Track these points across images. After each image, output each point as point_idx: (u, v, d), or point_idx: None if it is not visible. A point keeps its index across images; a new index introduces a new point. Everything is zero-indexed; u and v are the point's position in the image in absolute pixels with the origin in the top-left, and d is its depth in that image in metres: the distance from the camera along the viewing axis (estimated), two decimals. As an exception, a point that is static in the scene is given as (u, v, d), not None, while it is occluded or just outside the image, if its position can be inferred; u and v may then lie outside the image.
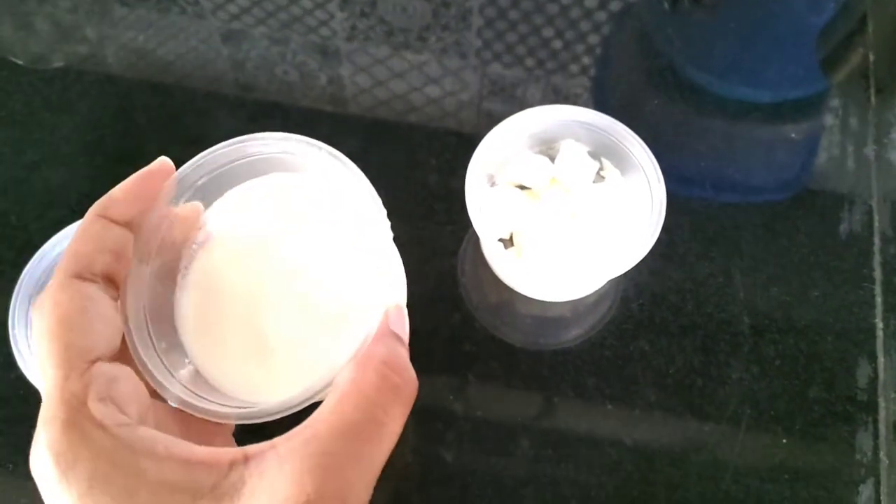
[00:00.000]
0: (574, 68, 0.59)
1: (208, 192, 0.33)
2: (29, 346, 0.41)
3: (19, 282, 0.43)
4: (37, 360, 0.25)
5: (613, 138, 0.48)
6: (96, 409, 0.24)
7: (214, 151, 0.31)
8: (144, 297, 0.29)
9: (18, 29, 0.58)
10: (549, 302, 0.50)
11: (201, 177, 0.32)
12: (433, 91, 0.57)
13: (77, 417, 0.24)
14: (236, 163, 0.32)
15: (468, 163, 0.46)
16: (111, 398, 0.25)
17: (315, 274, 0.32)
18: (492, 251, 0.48)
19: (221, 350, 0.31)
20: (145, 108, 0.55)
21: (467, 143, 0.47)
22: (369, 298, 0.31)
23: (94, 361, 0.25)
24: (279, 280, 0.32)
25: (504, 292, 0.51)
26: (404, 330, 0.31)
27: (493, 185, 0.50)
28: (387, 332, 0.29)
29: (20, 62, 0.57)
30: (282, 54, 0.58)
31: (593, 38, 0.60)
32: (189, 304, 0.32)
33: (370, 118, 0.56)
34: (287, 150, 0.31)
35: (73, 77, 0.56)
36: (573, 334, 0.50)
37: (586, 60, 0.59)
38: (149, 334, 0.29)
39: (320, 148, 0.31)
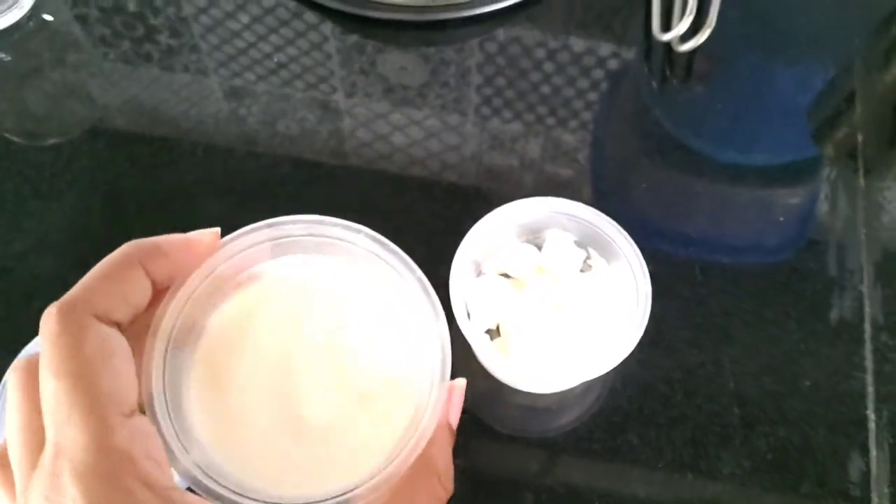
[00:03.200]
0: (573, 124, 0.59)
1: (231, 270, 0.30)
2: None
3: (2, 384, 0.43)
4: (49, 399, 0.22)
5: (597, 229, 0.48)
6: (145, 467, 0.22)
7: (242, 235, 0.29)
8: (161, 366, 0.27)
9: (13, 107, 0.59)
10: (535, 393, 0.50)
11: (228, 258, 0.29)
12: (433, 145, 0.58)
13: (122, 474, 0.21)
14: (261, 245, 0.30)
15: (454, 250, 0.46)
16: (152, 456, 0.23)
17: (352, 344, 0.29)
18: (479, 345, 0.47)
19: (240, 430, 0.28)
20: (134, 193, 0.55)
21: (455, 230, 0.47)
22: (416, 373, 0.29)
23: (131, 413, 0.23)
24: (308, 353, 0.29)
25: (491, 381, 0.50)
26: (458, 414, 0.29)
27: (479, 273, 0.50)
28: (444, 426, 0.27)
29: (16, 139, 0.57)
30: (283, 110, 0.59)
31: (591, 96, 0.60)
32: (200, 387, 0.29)
33: (370, 172, 0.57)
34: (319, 232, 0.30)
35: (64, 163, 0.56)
36: (561, 424, 0.49)
37: (584, 116, 0.60)
38: (167, 406, 0.26)
39: (359, 231, 0.29)
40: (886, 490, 0.46)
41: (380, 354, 0.30)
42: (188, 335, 0.28)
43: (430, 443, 0.26)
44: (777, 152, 0.59)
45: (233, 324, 0.29)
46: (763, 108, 0.61)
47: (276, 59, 0.61)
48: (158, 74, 0.61)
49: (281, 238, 0.30)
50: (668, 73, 0.62)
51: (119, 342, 0.24)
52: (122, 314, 0.24)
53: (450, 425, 0.28)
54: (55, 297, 0.50)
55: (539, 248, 0.50)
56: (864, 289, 0.52)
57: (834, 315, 0.51)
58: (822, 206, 0.56)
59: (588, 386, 0.50)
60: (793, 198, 0.57)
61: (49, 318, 0.23)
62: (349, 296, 0.30)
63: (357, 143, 0.58)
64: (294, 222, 0.30)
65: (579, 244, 0.50)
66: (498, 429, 0.49)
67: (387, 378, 0.29)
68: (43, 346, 0.22)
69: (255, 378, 0.28)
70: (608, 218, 0.47)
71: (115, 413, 0.22)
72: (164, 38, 0.62)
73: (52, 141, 0.57)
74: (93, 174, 0.56)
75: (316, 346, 0.29)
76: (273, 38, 0.63)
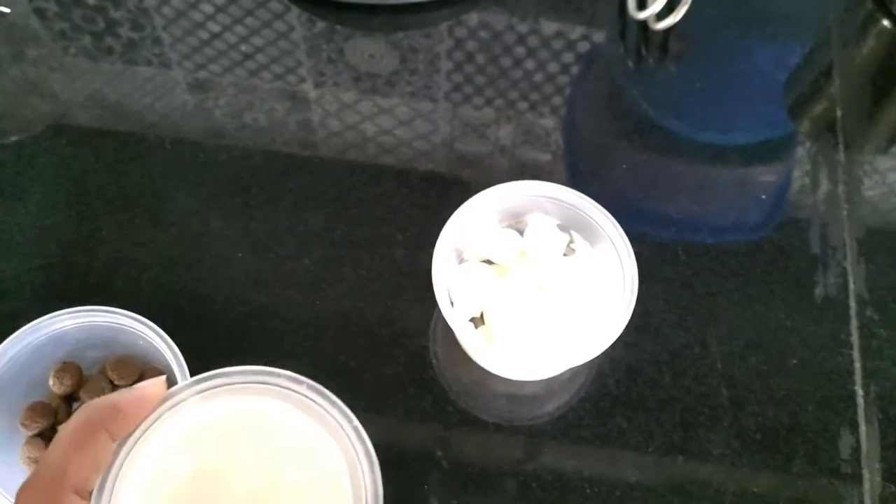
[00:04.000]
0: (544, 108, 0.58)
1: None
2: None
3: None
4: None
5: (581, 212, 0.47)
6: None
7: (191, 384, 0.30)
8: None
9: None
10: (521, 380, 0.49)
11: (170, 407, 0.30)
12: (405, 133, 0.56)
13: None
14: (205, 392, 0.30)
15: (435, 237, 0.45)
16: None
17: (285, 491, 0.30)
18: (463, 334, 0.46)
19: None
20: (100, 191, 0.54)
21: (435, 217, 0.46)
22: None
23: None
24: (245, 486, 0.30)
25: (476, 370, 0.49)
26: None
27: (461, 261, 0.49)
28: None
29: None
30: (250, 102, 0.57)
31: (562, 79, 0.59)
32: None
33: (340, 162, 0.55)
34: (264, 381, 0.30)
35: (27, 160, 0.54)
36: (549, 411, 0.48)
37: (556, 100, 0.59)
38: None
39: (301, 382, 0.30)
40: (877, 465, 0.46)
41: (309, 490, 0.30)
42: (125, 477, 0.28)
43: None
44: (756, 130, 0.58)
45: (167, 462, 0.29)
46: (741, 85, 0.60)
47: (242, 49, 0.60)
48: (121, 69, 0.59)
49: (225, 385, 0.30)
50: (643, 52, 0.61)
51: None
52: (93, 482, 0.25)
53: None
54: (23, 299, 0.49)
55: (521, 232, 0.49)
56: (848, 265, 0.52)
57: (819, 292, 0.51)
58: (804, 183, 0.55)
59: (575, 371, 0.49)
60: (773, 175, 0.56)
61: (28, 491, 0.23)
62: (277, 441, 0.31)
63: (328, 132, 0.57)
64: (241, 373, 0.30)
65: (562, 228, 0.49)
66: (484, 418, 0.48)
67: None
68: None
69: None
70: (591, 200, 0.46)
71: None
72: (125, 31, 0.60)
73: (13, 138, 0.55)
74: (57, 171, 0.54)
75: (249, 478, 0.30)
76: (238, 28, 0.61)
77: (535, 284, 0.48)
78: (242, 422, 0.31)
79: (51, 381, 0.44)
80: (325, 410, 0.30)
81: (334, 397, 0.30)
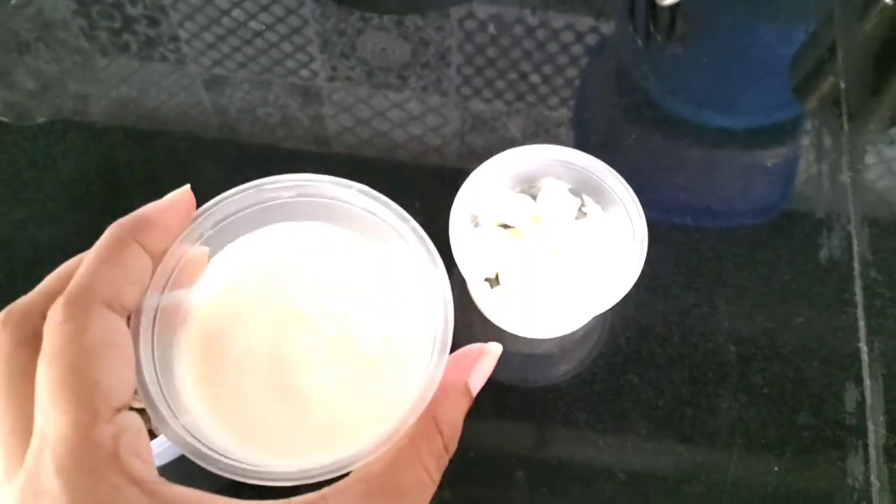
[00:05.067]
0: (553, 101, 0.60)
1: (218, 239, 0.29)
2: None
3: None
4: (42, 388, 0.21)
5: (593, 175, 0.49)
6: (131, 463, 0.21)
7: (228, 198, 0.27)
8: (150, 339, 0.25)
9: (1, 87, 0.59)
10: (536, 339, 0.50)
11: (215, 224, 0.28)
12: (415, 128, 0.58)
13: (107, 470, 0.20)
14: (250, 209, 0.28)
15: (450, 204, 0.47)
16: (138, 453, 0.21)
17: (347, 310, 0.28)
18: (478, 292, 0.48)
19: (236, 404, 0.27)
20: (130, 163, 0.56)
21: (450, 184, 0.48)
22: (416, 331, 0.28)
23: (120, 409, 0.22)
24: (302, 322, 0.28)
25: (491, 331, 0.51)
26: (481, 380, 0.28)
27: (476, 225, 0.51)
28: (457, 388, 0.26)
29: (5, 119, 0.57)
30: (264, 98, 0.59)
31: (571, 72, 0.61)
32: (191, 359, 0.27)
33: (353, 157, 0.57)
34: (307, 192, 0.28)
35: (58, 134, 0.56)
36: (562, 370, 0.50)
37: (565, 93, 0.60)
38: (156, 375, 0.25)
39: (350, 186, 0.28)
40: (882, 418, 0.47)
41: (376, 317, 0.29)
42: (177, 309, 0.27)
43: (437, 403, 0.26)
44: (763, 104, 0.60)
45: (222, 297, 0.28)
46: (747, 61, 0.62)
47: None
48: (138, 66, 0.61)
49: (267, 202, 0.28)
50: (651, 29, 0.63)
51: (121, 335, 0.23)
52: (131, 298, 0.24)
53: (467, 388, 0.27)
54: (57, 265, 0.51)
55: (534, 197, 0.51)
56: (852, 228, 0.53)
57: (824, 254, 0.53)
58: (809, 152, 0.57)
59: (587, 331, 0.51)
60: (780, 145, 0.58)
61: (55, 308, 0.22)
62: (341, 260, 0.29)
63: (339, 128, 0.59)
64: (281, 182, 0.28)
65: (574, 192, 0.51)
66: (499, 376, 0.49)
67: (385, 341, 0.28)
68: (46, 335, 0.22)
69: (249, 350, 0.28)
70: (603, 163, 0.48)
71: (105, 406, 0.21)
72: (141, 28, 0.63)
73: (40, 120, 0.57)
74: (86, 143, 0.56)
75: (308, 314, 0.28)
76: (253, 24, 0.63)
77: (549, 247, 0.50)
78: (293, 250, 0.29)
79: None
80: (381, 217, 0.28)
81: (386, 199, 0.28)
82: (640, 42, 0.63)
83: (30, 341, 0.22)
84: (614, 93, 0.62)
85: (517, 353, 0.51)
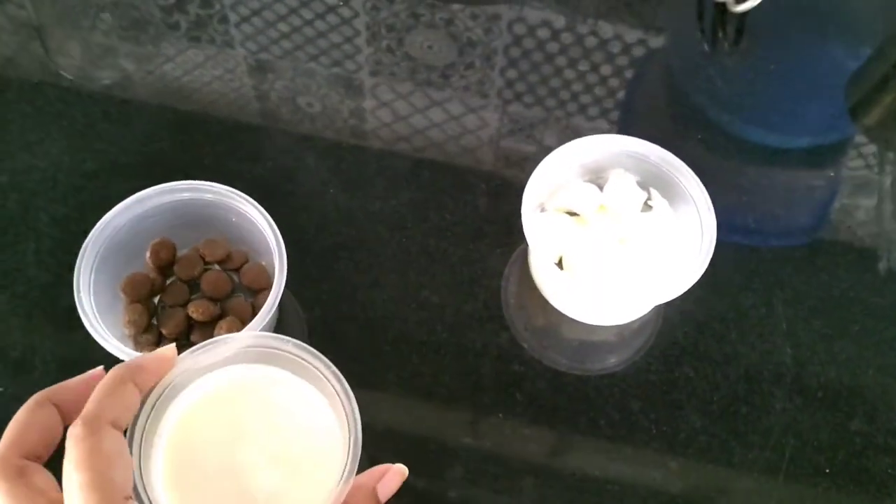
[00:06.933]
0: (593, 111, 0.60)
1: (186, 376, 0.37)
2: (93, 308, 0.44)
3: (83, 249, 0.45)
4: (73, 485, 0.28)
5: (663, 168, 0.49)
6: None
7: (196, 350, 0.36)
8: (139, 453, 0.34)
9: (64, 46, 0.60)
10: (594, 326, 0.51)
11: (185, 370, 0.36)
12: (452, 128, 0.58)
13: None
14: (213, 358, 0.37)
15: (516, 191, 0.48)
16: None
17: (286, 435, 0.37)
18: (545, 272, 0.49)
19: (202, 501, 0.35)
20: (202, 123, 0.56)
21: (518, 173, 0.48)
22: (336, 446, 0.36)
23: (127, 499, 0.29)
24: (251, 437, 0.37)
25: (550, 315, 0.51)
26: (389, 491, 0.35)
27: (543, 211, 0.51)
28: (367, 494, 0.35)
29: (69, 76, 0.58)
30: (307, 86, 0.60)
31: (614, 82, 0.61)
32: (162, 464, 0.36)
33: (389, 152, 0.57)
34: (255, 345, 0.37)
35: (131, 91, 0.57)
36: (618, 359, 0.50)
37: (608, 104, 0.60)
38: (142, 482, 0.34)
39: (287, 341, 0.36)
40: (933, 429, 0.48)
41: (306, 436, 0.37)
42: (154, 429, 0.36)
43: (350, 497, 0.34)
44: (827, 116, 0.61)
45: (188, 420, 0.37)
46: (813, 73, 0.62)
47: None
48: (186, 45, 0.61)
49: (227, 354, 0.37)
50: (720, 35, 0.64)
51: (124, 446, 0.31)
52: (126, 420, 0.32)
53: (374, 492, 0.35)
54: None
55: (600, 188, 0.52)
56: (912, 242, 0.54)
57: (883, 266, 0.53)
58: (871, 164, 0.57)
59: (644, 321, 0.51)
60: (843, 155, 0.58)
61: (75, 427, 0.29)
62: (280, 392, 0.38)
63: (378, 122, 0.59)
64: (240, 341, 0.37)
65: (641, 185, 0.51)
66: (557, 359, 0.50)
67: (313, 452, 0.36)
68: (68, 448, 0.29)
69: (208, 459, 0.36)
70: (678, 159, 0.48)
71: (120, 498, 0.29)
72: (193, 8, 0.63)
73: (105, 82, 0.58)
74: (161, 100, 0.57)
75: (256, 431, 0.36)
76: (304, 11, 0.63)
77: (614, 236, 0.50)
78: (244, 389, 0.38)
79: (147, 255, 0.48)
80: (311, 364, 0.36)
81: (315, 351, 0.36)
82: (706, 47, 0.64)
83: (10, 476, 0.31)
84: (661, 101, 0.62)
85: (575, 338, 0.51)
